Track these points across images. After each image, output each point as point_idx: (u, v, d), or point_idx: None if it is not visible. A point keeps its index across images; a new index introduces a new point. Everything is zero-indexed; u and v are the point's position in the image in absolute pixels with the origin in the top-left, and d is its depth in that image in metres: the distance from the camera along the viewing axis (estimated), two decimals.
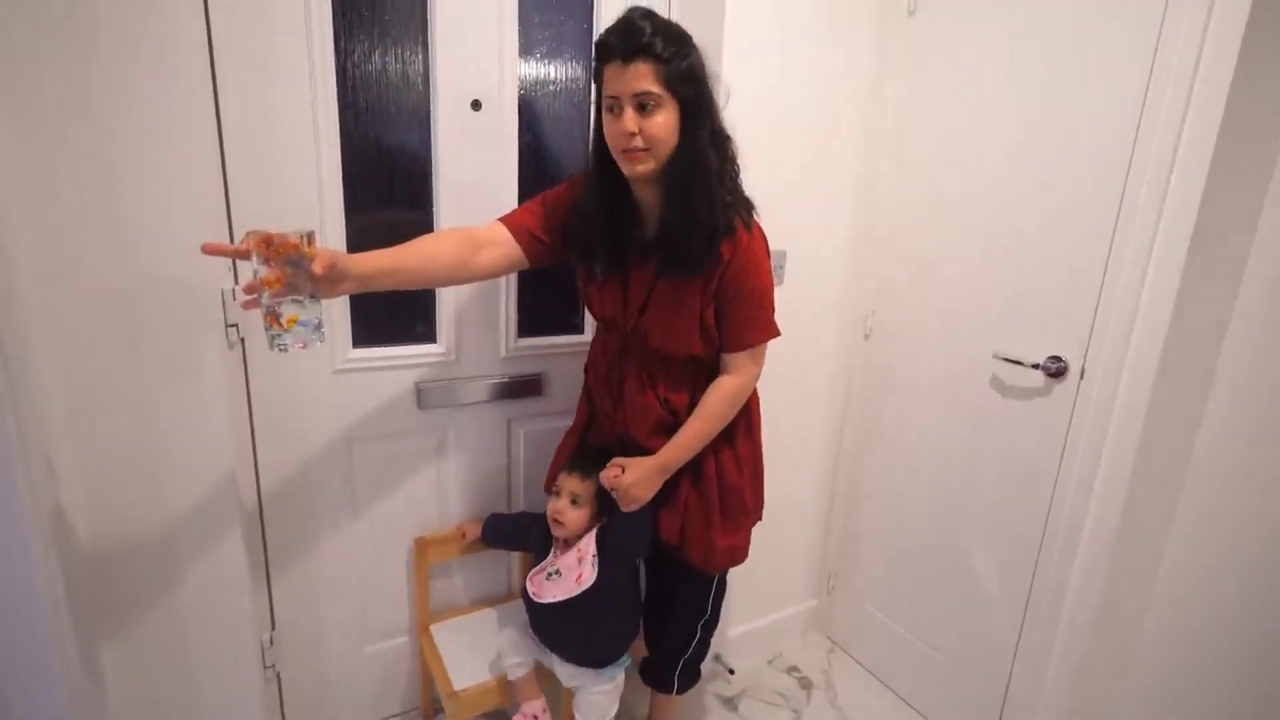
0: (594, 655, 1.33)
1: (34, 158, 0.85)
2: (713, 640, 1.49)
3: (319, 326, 0.86)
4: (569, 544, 1.29)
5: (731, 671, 1.81)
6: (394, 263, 0.98)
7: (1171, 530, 1.36)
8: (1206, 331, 1.22)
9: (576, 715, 1.36)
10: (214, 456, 1.06)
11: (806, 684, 1.84)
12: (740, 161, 1.15)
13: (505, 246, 1.16)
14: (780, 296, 1.60)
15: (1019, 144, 1.38)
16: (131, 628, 1.05)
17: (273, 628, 1.39)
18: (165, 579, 1.06)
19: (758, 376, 1.23)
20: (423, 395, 1.43)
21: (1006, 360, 1.42)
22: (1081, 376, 1.31)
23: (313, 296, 0.85)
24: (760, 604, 1.91)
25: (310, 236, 0.83)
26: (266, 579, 1.36)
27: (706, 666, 1.53)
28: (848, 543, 1.95)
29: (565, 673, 1.35)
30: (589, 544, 1.26)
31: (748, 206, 1.15)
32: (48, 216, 0.87)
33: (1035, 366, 1.36)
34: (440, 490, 1.53)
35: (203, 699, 1.13)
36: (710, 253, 1.08)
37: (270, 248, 0.80)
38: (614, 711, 1.38)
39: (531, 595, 1.26)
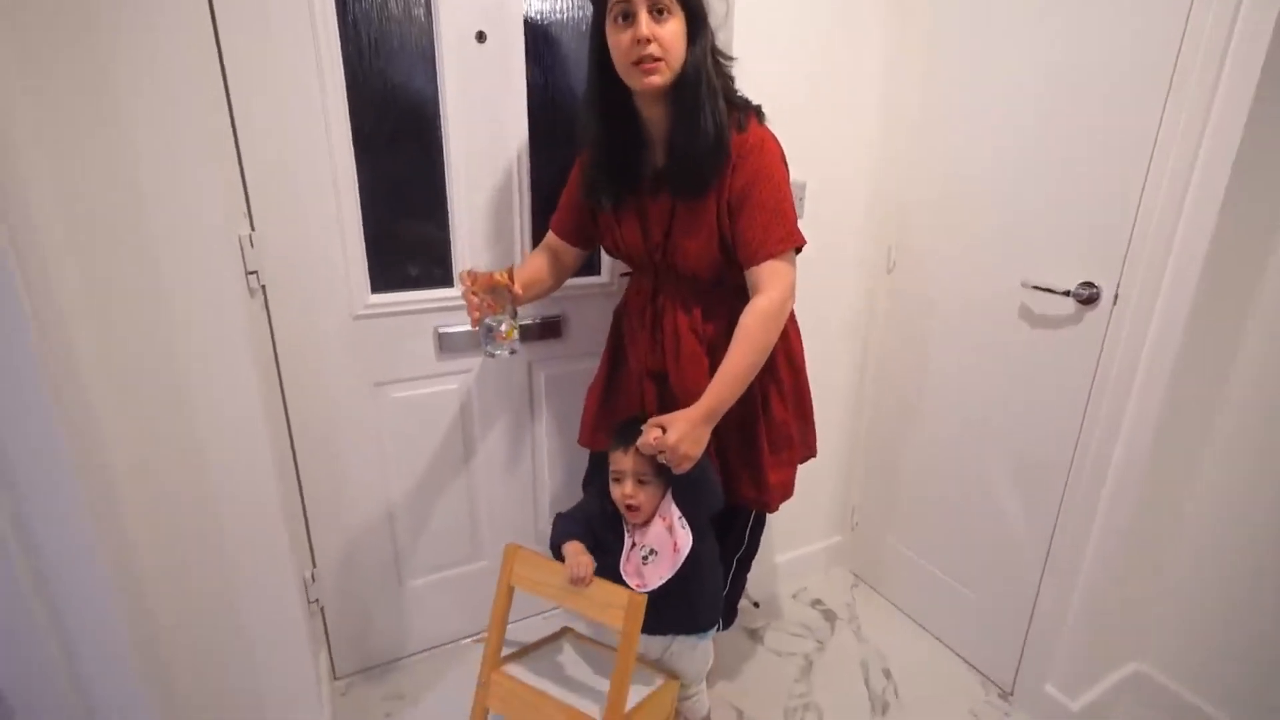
0: (700, 619, 1.24)
1: (52, 108, 0.85)
2: (748, 576, 1.50)
3: (519, 339, 1.16)
4: (647, 519, 1.17)
5: (757, 604, 1.85)
6: (524, 276, 1.21)
7: (1204, 462, 1.33)
8: (1248, 254, 1.16)
9: (682, 670, 1.27)
10: (241, 397, 1.08)
11: (830, 616, 1.87)
12: (754, 87, 1.13)
13: (568, 252, 1.32)
14: (801, 229, 1.57)
15: (1055, 56, 1.29)
16: (175, 569, 1.09)
17: (314, 564, 1.46)
18: (204, 518, 1.10)
19: (790, 293, 1.12)
20: (443, 340, 1.44)
21: (1036, 288, 1.37)
22: (1115, 302, 1.26)
23: (514, 315, 1.13)
24: (784, 539, 1.93)
25: (510, 271, 1.11)
26: (305, 518, 1.42)
27: None
28: (871, 478, 1.95)
29: (671, 647, 1.26)
30: (669, 508, 1.14)
31: (753, 109, 1.13)
32: (68, 169, 0.88)
33: (1066, 294, 1.31)
34: (465, 432, 1.56)
35: (250, 633, 1.19)
36: (719, 167, 1.08)
37: (477, 281, 1.09)
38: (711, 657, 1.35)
39: (637, 589, 1.09)
